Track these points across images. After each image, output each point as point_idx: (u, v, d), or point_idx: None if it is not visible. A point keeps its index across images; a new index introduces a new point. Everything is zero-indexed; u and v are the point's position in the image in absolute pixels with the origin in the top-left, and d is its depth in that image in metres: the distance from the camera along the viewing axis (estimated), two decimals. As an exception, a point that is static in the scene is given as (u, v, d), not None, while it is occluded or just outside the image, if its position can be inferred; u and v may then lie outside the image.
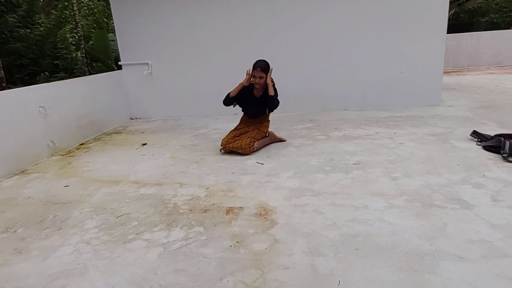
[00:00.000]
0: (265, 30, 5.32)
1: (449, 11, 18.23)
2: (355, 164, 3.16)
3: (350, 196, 2.55)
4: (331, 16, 5.14)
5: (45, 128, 4.05)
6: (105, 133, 5.08)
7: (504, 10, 18.01)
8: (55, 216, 2.58)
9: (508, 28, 16.64)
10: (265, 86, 3.69)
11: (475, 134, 3.58)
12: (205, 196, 2.71)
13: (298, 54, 5.33)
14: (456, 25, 17.85)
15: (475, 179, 2.68)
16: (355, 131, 4.22)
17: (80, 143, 4.58)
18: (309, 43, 5.30)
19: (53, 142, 4.12)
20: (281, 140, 4.00)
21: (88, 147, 4.38)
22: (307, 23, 5.23)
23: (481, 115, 4.53)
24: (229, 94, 3.75)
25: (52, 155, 4.10)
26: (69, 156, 4.06)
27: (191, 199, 2.69)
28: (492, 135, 3.46)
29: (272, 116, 5.24)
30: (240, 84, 3.71)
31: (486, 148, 3.28)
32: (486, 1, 18.05)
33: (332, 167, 3.13)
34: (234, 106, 3.88)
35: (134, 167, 3.51)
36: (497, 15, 18.07)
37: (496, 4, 18.01)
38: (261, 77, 3.61)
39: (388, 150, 3.46)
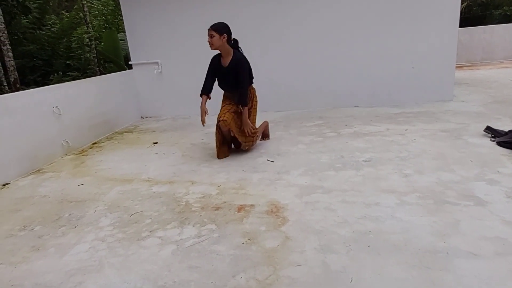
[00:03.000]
0: (273, 27, 5.31)
1: (461, 4, 17.90)
2: (366, 161, 3.15)
3: (361, 193, 2.55)
4: (340, 11, 5.10)
5: (58, 128, 4.13)
6: (116, 132, 5.15)
7: (518, 2, 17.56)
8: (70, 214, 2.64)
9: (522, 20, 16.25)
10: (231, 54, 3.44)
11: (488, 129, 3.53)
12: (216, 194, 2.74)
13: (307, 51, 5.31)
14: (468, 18, 17.50)
15: (489, 176, 2.65)
16: (366, 127, 4.19)
17: (93, 142, 4.65)
18: (317, 39, 5.27)
19: (66, 141, 4.19)
20: (265, 137, 3.96)
21: (100, 146, 4.45)
22: (316, 19, 5.20)
23: (495, 110, 4.45)
24: (204, 88, 3.59)
25: (66, 155, 4.18)
26: (83, 155, 4.13)
27: (203, 197, 2.72)
28: (507, 130, 3.41)
29: (281, 114, 5.28)
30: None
31: (500, 144, 3.23)
32: (499, -7, 17.63)
33: (343, 164, 3.12)
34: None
35: (146, 165, 3.56)
36: (511, 8, 17.65)
37: (509, -4, 17.59)
38: (211, 36, 3.31)
39: (399, 147, 3.43)
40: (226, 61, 3.47)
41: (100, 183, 3.20)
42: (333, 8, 5.09)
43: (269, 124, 4.70)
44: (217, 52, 3.52)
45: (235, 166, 3.32)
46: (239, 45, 3.59)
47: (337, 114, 4.99)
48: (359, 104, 5.36)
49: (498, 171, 2.71)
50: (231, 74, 3.45)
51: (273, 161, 3.34)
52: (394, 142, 3.60)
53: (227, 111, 3.46)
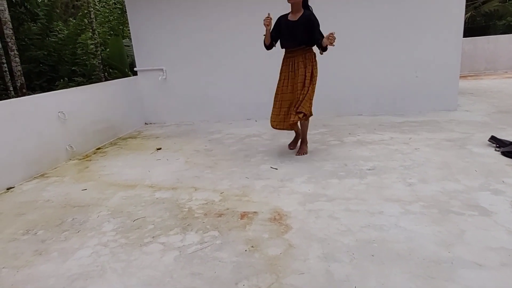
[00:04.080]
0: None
1: (465, 14, 17.97)
2: (369, 169, 3.14)
3: (365, 201, 2.54)
4: (344, 19, 5.14)
5: (63, 133, 4.15)
6: (120, 137, 5.17)
7: (522, 13, 17.62)
8: (73, 219, 2.64)
9: (526, 31, 16.27)
10: (301, 11, 3.44)
11: (493, 139, 3.52)
12: (219, 201, 2.74)
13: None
14: (472, 28, 17.56)
15: (494, 186, 2.63)
16: (369, 136, 4.19)
17: (97, 147, 4.67)
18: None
19: (71, 146, 4.22)
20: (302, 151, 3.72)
21: (104, 152, 4.47)
22: (321, 28, 5.23)
23: (499, 120, 4.44)
24: (264, 43, 3.60)
25: (70, 159, 4.20)
26: (86, 160, 4.15)
27: (206, 203, 2.71)
28: (511, 140, 3.39)
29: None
30: (266, 32, 3.50)
31: (504, 153, 3.22)
32: (503, 4, 17.72)
33: (346, 172, 3.11)
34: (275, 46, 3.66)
35: (149, 171, 3.57)
36: (514, 18, 17.68)
37: (513, 7, 17.65)
38: None
39: (403, 156, 3.42)
40: (296, 16, 3.45)
41: (103, 188, 3.20)
42: (337, 17, 5.12)
43: (273, 132, 4.72)
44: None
45: (238, 173, 3.32)
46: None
47: (341, 122, 4.99)
48: (363, 112, 5.36)
49: (503, 181, 2.70)
50: (299, 28, 3.40)
51: (276, 169, 3.34)
52: (398, 150, 3.59)
53: (283, 114, 3.53)
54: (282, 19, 3.55)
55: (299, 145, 3.84)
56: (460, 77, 6.15)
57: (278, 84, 3.65)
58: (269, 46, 3.63)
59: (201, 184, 3.11)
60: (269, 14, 3.43)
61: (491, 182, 2.69)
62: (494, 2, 17.96)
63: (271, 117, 3.65)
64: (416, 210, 2.36)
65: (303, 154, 3.68)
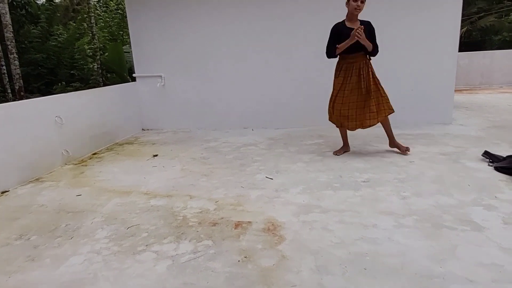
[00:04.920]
0: (277, 45, 5.40)
1: (461, 29, 18.28)
2: (364, 181, 3.16)
3: (359, 214, 2.55)
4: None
5: (60, 138, 4.15)
6: (117, 143, 5.17)
7: (517, 29, 17.91)
8: (67, 225, 2.63)
9: (521, 47, 16.53)
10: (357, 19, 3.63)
11: (486, 154, 3.55)
12: (214, 210, 2.74)
13: (309, 69, 5.39)
14: (468, 43, 17.82)
15: (487, 201, 2.66)
16: (365, 147, 4.22)
17: (93, 152, 4.67)
18: (319, 58, 5.35)
19: (67, 151, 4.21)
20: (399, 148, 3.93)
21: (100, 157, 4.46)
22: (318, 39, 5.29)
23: (494, 135, 4.49)
24: (334, 50, 3.67)
25: (66, 164, 4.19)
26: (82, 166, 4.14)
27: (200, 212, 2.72)
28: (505, 156, 3.43)
29: (281, 131, 5.32)
30: (346, 42, 3.55)
31: (498, 169, 3.25)
32: (499, 20, 18.02)
33: (341, 184, 3.13)
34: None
35: (145, 178, 3.57)
36: (510, 34, 17.98)
37: (509, 23, 17.96)
38: (362, 1, 3.50)
39: (398, 168, 3.45)
40: (354, 24, 3.60)
41: (98, 194, 3.20)
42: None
43: (269, 142, 4.75)
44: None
45: (234, 182, 3.33)
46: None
47: (337, 133, 4.97)
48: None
49: (495, 197, 2.72)
50: (364, 31, 3.52)
51: (272, 178, 3.35)
52: (393, 163, 3.62)
53: (361, 115, 3.76)
54: (341, 27, 3.66)
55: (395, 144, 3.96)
56: (456, 91, 6.21)
57: (344, 90, 3.76)
58: (334, 56, 3.74)
59: (196, 192, 3.11)
60: (361, 26, 3.47)
61: (484, 197, 2.72)
62: (490, 17, 18.27)
63: (347, 123, 3.82)
64: (410, 223, 2.38)
65: (406, 151, 3.87)
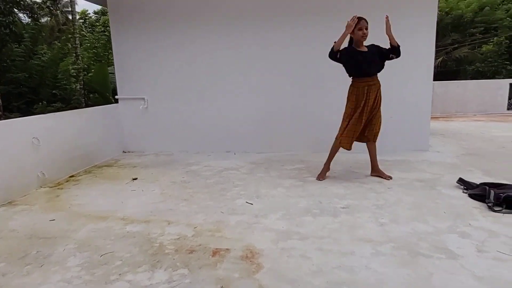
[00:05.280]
0: (260, 70, 5.51)
1: (437, 58, 19.18)
2: (343, 207, 3.19)
3: (337, 241, 2.56)
4: (322, 60, 5.34)
5: (36, 159, 4.05)
6: (96, 165, 5.07)
7: (489, 60, 18.94)
8: (38, 251, 2.53)
9: (493, 77, 17.43)
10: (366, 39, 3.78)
11: (461, 181, 3.66)
12: (192, 236, 2.69)
13: (291, 95, 5.50)
14: (444, 72, 18.65)
15: (461, 228, 2.71)
16: (345, 173, 4.28)
17: (70, 175, 4.56)
18: (302, 84, 5.49)
19: (42, 173, 4.10)
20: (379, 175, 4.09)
21: (77, 180, 4.36)
22: (301, 66, 5.44)
23: (468, 162, 4.64)
24: (333, 47, 3.73)
25: (41, 187, 4.07)
26: (58, 189, 4.03)
27: (178, 238, 2.66)
28: (478, 183, 3.54)
29: (263, 155, 5.34)
30: (343, 34, 3.68)
31: (471, 196, 3.34)
32: (471, 51, 19.01)
33: (321, 210, 3.15)
34: (338, 60, 3.83)
35: (122, 202, 3.49)
36: (482, 64, 18.96)
37: (481, 54, 18.97)
38: (366, 28, 3.68)
39: (377, 195, 3.50)
40: (364, 48, 3.81)
41: (72, 219, 3.10)
42: (315, 57, 5.34)
43: (251, 166, 4.76)
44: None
45: (213, 207, 3.30)
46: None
47: (318, 158, 5.06)
48: (339, 150, 5.47)
49: (469, 224, 2.78)
50: (375, 57, 3.80)
51: (252, 204, 3.34)
52: (372, 189, 3.67)
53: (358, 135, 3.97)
54: (352, 50, 3.81)
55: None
56: (433, 118, 6.43)
57: (355, 109, 3.87)
58: (335, 54, 3.76)
59: (175, 218, 3.06)
60: (355, 16, 3.68)
61: (458, 225, 2.77)
62: (463, 48, 19.25)
63: (346, 140, 3.95)
64: (387, 251, 2.40)
65: (389, 178, 4.00)
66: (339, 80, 5.40)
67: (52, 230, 2.89)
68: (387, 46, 3.82)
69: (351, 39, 3.83)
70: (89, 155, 5.04)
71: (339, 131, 4.02)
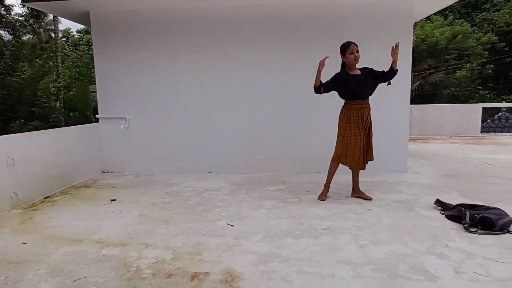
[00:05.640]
0: (243, 90, 5.57)
1: (415, 83, 19.90)
2: (324, 229, 3.19)
3: (318, 263, 2.55)
4: (306, 81, 5.46)
5: (10, 179, 3.91)
6: (73, 186, 4.93)
7: (463, 85, 19.81)
8: (7, 277, 2.41)
9: (467, 101, 18.21)
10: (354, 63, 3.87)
11: (438, 202, 3.74)
12: (170, 259, 2.63)
13: (274, 115, 5.56)
14: (421, 95, 19.36)
15: (439, 249, 2.75)
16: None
17: (45, 196, 4.41)
18: (285, 104, 5.57)
19: (16, 194, 3.95)
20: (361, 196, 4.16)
21: (53, 201, 4.22)
22: (283, 87, 5.54)
23: (444, 184, 4.76)
24: (314, 85, 3.91)
25: (14, 208, 3.91)
26: (32, 210, 3.88)
27: (156, 262, 2.59)
28: (454, 204, 3.62)
29: (245, 176, 5.34)
30: (317, 72, 3.83)
31: (448, 217, 3.41)
32: (447, 76, 19.87)
33: (302, 231, 3.14)
34: (325, 92, 3.94)
35: (99, 224, 3.39)
36: (457, 89, 19.80)
37: (456, 79, 19.83)
38: (357, 51, 3.78)
39: (357, 216, 3.53)
40: (357, 71, 3.90)
41: (46, 243, 2.98)
42: (299, 78, 5.46)
43: (232, 187, 4.74)
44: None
45: (193, 229, 3.24)
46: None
47: (300, 179, 5.11)
48: (321, 170, 5.50)
49: (447, 245, 2.83)
50: (368, 80, 3.90)
51: (233, 225, 3.30)
52: (352, 210, 3.70)
53: (361, 157, 4.02)
54: (345, 75, 3.91)
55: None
56: (411, 140, 6.61)
57: (349, 132, 3.95)
58: (318, 89, 3.95)
59: (153, 240, 2.99)
60: (327, 56, 3.79)
61: (436, 246, 2.81)
62: (439, 73, 20.09)
63: (347, 160, 4.01)
64: (367, 273, 2.40)
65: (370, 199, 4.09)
66: (323, 101, 5.51)
67: (23, 254, 2.76)
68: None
69: (343, 63, 3.95)
70: (67, 175, 4.90)
71: (334, 153, 4.08)
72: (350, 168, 4.16)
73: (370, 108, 4.02)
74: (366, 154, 4.07)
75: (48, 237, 3.10)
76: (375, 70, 3.97)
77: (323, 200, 4.06)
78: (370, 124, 4.04)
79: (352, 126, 3.93)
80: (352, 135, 3.94)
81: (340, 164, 4.09)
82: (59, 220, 3.55)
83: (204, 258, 2.64)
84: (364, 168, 4.15)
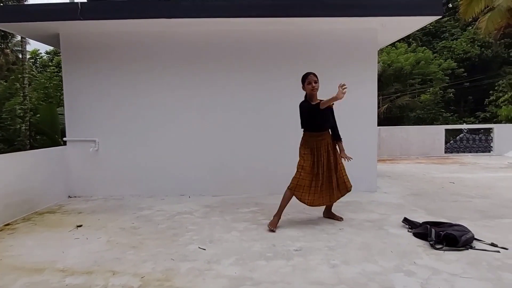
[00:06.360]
0: (215, 113, 5.60)
1: (383, 105, 20.72)
2: (296, 250, 3.20)
3: (290, 285, 2.54)
4: (276, 103, 5.59)
5: (-34, 207, 3.68)
6: (37, 212, 4.69)
7: (427, 107, 20.86)
8: (-44, 313, 2.23)
9: (432, 123, 19.13)
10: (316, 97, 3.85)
11: (406, 221, 3.85)
12: (138, 287, 2.53)
13: (247, 137, 5.60)
14: (390, 118, 20.15)
15: (407, 267, 2.82)
16: (299, 215, 4.33)
17: (5, 223, 4.16)
18: (257, 126, 5.64)
19: (-27, 222, 3.72)
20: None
21: (13, 229, 3.99)
22: (254, 110, 5.62)
23: (412, 203, 4.92)
24: (310, 122, 3.90)
25: (-31, 237, 3.67)
26: (-11, 239, 3.65)
27: (123, 290, 2.49)
28: (421, 222, 3.74)
29: (218, 198, 5.29)
30: (333, 98, 3.56)
31: (415, 235, 3.52)
32: (412, 99, 20.88)
33: (274, 253, 3.13)
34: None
35: (63, 252, 3.23)
36: (422, 112, 20.80)
37: (421, 102, 20.86)
38: (316, 82, 3.77)
39: (329, 236, 3.56)
40: (316, 102, 3.82)
41: (4, 273, 2.80)
42: (270, 100, 5.57)
43: (205, 209, 4.68)
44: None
45: (164, 254, 3.15)
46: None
47: (273, 200, 5.08)
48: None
49: (414, 262, 2.90)
50: (327, 112, 3.84)
51: (204, 249, 3.25)
52: (324, 231, 3.74)
53: (326, 191, 3.95)
54: (307, 105, 3.85)
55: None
56: (380, 160, 6.82)
57: (310, 165, 3.86)
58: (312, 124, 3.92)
59: (121, 267, 2.88)
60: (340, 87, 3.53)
61: (404, 263, 2.88)
62: (405, 97, 21.09)
63: (308, 197, 3.87)
64: (338, 293, 2.41)
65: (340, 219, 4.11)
66: (294, 123, 5.64)
67: (-23, 287, 2.58)
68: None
69: (306, 94, 3.92)
70: (30, 201, 4.67)
71: (291, 182, 3.93)
72: (310, 206, 3.98)
73: (328, 140, 3.95)
74: (338, 188, 3.98)
75: (6, 267, 2.91)
76: (332, 110, 3.94)
77: (273, 231, 3.72)
78: (335, 155, 3.98)
79: (311, 159, 3.85)
80: (311, 168, 3.85)
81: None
82: (19, 248, 3.35)
83: (174, 284, 2.57)
84: (333, 202, 4.09)
